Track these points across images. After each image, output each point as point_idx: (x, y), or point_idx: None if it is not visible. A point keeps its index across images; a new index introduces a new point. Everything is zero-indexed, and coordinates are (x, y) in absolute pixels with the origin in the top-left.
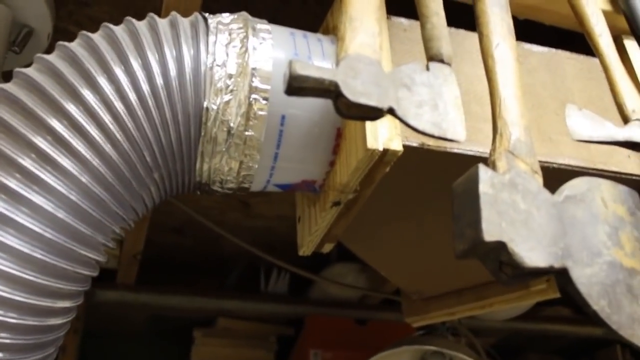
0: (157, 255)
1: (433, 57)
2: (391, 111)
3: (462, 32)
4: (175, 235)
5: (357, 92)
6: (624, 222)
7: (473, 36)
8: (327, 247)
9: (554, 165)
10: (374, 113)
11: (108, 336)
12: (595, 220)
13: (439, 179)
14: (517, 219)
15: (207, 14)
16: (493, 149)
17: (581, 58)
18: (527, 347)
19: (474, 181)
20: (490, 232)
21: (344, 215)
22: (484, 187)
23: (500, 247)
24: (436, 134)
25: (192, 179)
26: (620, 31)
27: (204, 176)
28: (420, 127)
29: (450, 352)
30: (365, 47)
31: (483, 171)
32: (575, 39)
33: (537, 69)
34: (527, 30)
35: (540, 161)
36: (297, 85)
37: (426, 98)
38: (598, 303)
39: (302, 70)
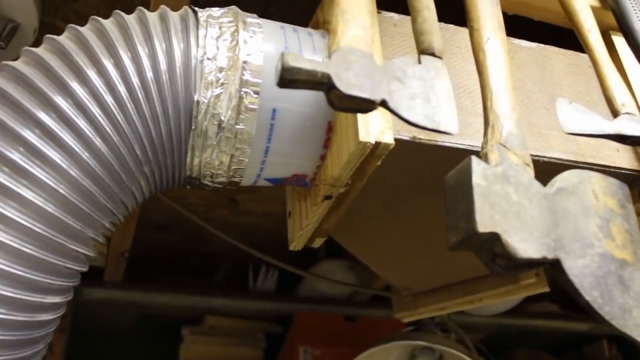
0: (145, 253)
1: (424, 50)
2: (384, 103)
3: (451, 27)
4: (162, 233)
5: (349, 84)
6: (614, 214)
7: (463, 31)
8: (318, 242)
9: (544, 159)
10: (367, 105)
11: (96, 335)
12: (586, 212)
13: (430, 175)
14: (509, 210)
15: (196, 8)
16: (485, 142)
17: (569, 53)
18: (515, 342)
19: (467, 173)
20: (484, 223)
21: (335, 210)
22: (477, 179)
23: (494, 239)
24: (429, 126)
25: (182, 173)
26: (608, 27)
27: (195, 170)
28: (413, 119)
29: (440, 347)
30: (357, 40)
31: (476, 163)
32: (563, 35)
33: (526, 64)
34: (516, 25)
35: (530, 155)
36: (289, 78)
37: (418, 91)
38: (590, 294)
39: (294, 62)
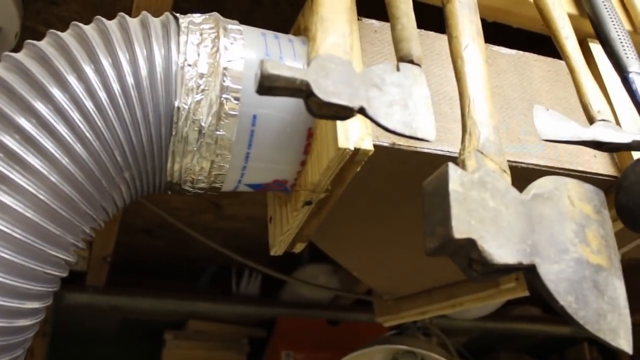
0: (128, 257)
1: (403, 57)
2: (362, 111)
3: (432, 34)
4: (145, 237)
5: (328, 91)
6: (590, 220)
7: (443, 38)
8: (299, 247)
9: (522, 165)
10: (345, 112)
11: (77, 340)
12: (562, 218)
13: (410, 180)
14: (486, 216)
15: (178, 14)
16: (462, 148)
17: (548, 60)
18: (498, 346)
19: (444, 179)
20: (460, 229)
21: (315, 215)
22: (453, 185)
23: (470, 245)
24: (407, 133)
25: (163, 178)
26: (585, 34)
27: (175, 176)
28: (390, 126)
29: (421, 351)
30: (336, 48)
31: (452, 170)
32: (542, 42)
33: (505, 70)
34: (496, 32)
35: (508, 161)
36: (268, 85)
37: (397, 98)
38: (565, 299)
39: (273, 69)
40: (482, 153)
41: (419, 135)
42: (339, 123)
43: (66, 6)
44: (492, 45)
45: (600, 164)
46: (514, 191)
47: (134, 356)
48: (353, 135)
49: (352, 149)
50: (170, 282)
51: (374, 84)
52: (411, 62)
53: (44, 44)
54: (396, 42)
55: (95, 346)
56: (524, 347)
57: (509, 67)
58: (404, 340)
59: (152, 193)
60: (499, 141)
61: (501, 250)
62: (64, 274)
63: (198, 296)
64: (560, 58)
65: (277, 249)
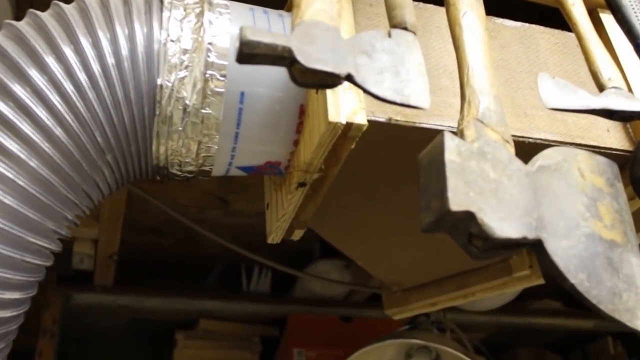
0: (135, 256)
1: (396, 25)
2: (349, 78)
3: (430, 7)
4: (153, 236)
5: (312, 58)
6: (602, 193)
7: (441, 11)
8: (297, 234)
9: (530, 139)
10: (331, 80)
11: (86, 340)
12: (571, 191)
13: (409, 160)
14: (486, 188)
15: None
16: (461, 118)
17: (556, 32)
18: (517, 341)
19: (439, 150)
20: (457, 201)
21: (311, 198)
22: (449, 155)
23: (469, 218)
24: (398, 100)
25: (149, 162)
26: (595, 4)
27: (162, 159)
28: (380, 93)
29: (436, 345)
30: (321, 14)
31: (449, 139)
32: (551, 18)
33: (510, 43)
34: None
35: (515, 136)
36: (248, 52)
37: (387, 65)
38: (576, 276)
39: (253, 36)
40: (482, 122)
41: (412, 103)
42: (329, 97)
43: None
44: (495, 18)
45: (614, 138)
46: (518, 162)
47: (144, 356)
48: (345, 109)
49: (344, 123)
50: (179, 281)
51: (363, 51)
52: (405, 29)
53: (22, 24)
54: (389, 9)
55: (104, 347)
56: (544, 343)
57: (514, 39)
58: (418, 335)
59: (140, 178)
60: (501, 110)
61: (503, 223)
62: (48, 263)
63: (208, 295)
64: (569, 30)
65: (274, 237)
